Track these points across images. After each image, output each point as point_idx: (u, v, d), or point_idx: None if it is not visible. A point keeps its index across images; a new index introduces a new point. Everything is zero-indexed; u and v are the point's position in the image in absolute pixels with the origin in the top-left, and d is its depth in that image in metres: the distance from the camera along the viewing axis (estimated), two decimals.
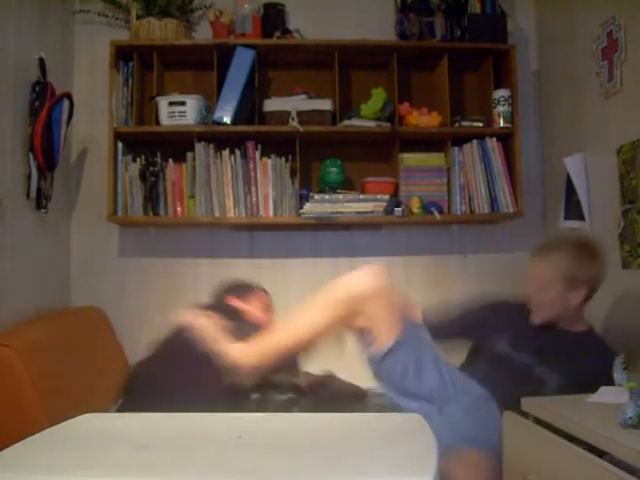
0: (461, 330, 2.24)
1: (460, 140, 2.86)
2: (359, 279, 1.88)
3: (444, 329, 2.19)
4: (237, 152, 2.77)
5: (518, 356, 2.06)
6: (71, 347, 2.12)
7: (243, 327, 2.06)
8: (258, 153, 2.77)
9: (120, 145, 2.71)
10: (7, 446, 1.16)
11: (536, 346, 2.04)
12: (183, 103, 2.69)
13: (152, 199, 2.72)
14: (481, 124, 2.84)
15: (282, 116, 2.75)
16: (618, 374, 1.69)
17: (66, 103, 2.45)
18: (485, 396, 1.90)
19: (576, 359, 1.98)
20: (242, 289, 2.27)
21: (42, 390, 1.81)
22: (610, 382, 1.69)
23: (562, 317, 2.03)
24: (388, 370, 1.88)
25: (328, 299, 1.90)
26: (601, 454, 1.35)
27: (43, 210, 2.42)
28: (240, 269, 2.95)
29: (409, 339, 1.87)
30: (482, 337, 2.17)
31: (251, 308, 2.20)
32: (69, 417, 1.43)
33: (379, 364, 1.88)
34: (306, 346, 1.93)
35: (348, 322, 1.91)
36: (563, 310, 2.01)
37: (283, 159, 2.78)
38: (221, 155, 2.76)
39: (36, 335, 2.01)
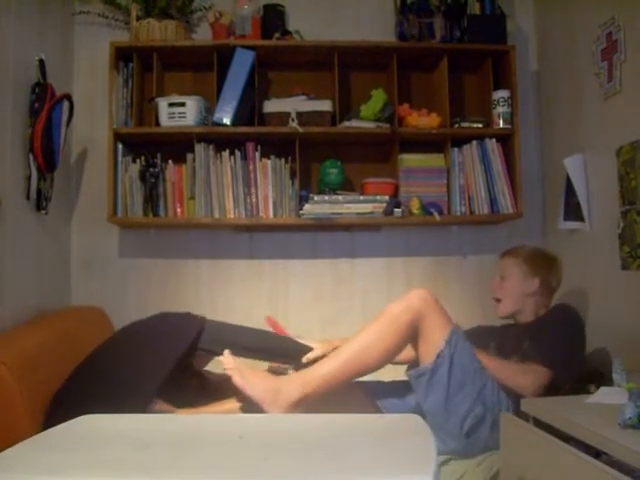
0: None
1: (460, 141, 2.86)
2: (412, 295, 1.94)
3: None
4: (237, 153, 2.77)
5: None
6: (70, 350, 2.10)
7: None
8: (258, 154, 2.77)
9: (120, 146, 2.71)
10: None
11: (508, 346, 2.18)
12: (183, 104, 2.69)
13: (152, 200, 2.72)
14: (481, 125, 2.85)
15: (282, 117, 2.75)
16: (617, 375, 1.69)
17: (66, 104, 2.44)
18: (506, 410, 1.92)
19: (543, 333, 2.14)
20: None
21: (35, 408, 1.76)
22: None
23: (522, 310, 2.31)
24: (437, 383, 1.91)
25: (387, 319, 1.92)
26: (598, 455, 1.35)
27: (43, 211, 2.42)
28: (240, 270, 2.95)
29: (458, 347, 1.93)
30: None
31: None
32: None
33: (430, 377, 1.91)
34: (363, 370, 1.92)
35: (407, 339, 1.94)
36: (522, 299, 2.31)
37: (283, 160, 2.78)
38: (221, 156, 2.77)
39: (31, 344, 1.94)
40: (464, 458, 1.91)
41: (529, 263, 2.32)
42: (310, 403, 1.85)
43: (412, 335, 1.93)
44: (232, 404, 1.97)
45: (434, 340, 1.91)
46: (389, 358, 1.94)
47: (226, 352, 1.96)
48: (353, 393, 2.07)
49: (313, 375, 1.88)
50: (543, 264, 2.34)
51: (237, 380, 1.86)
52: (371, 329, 1.92)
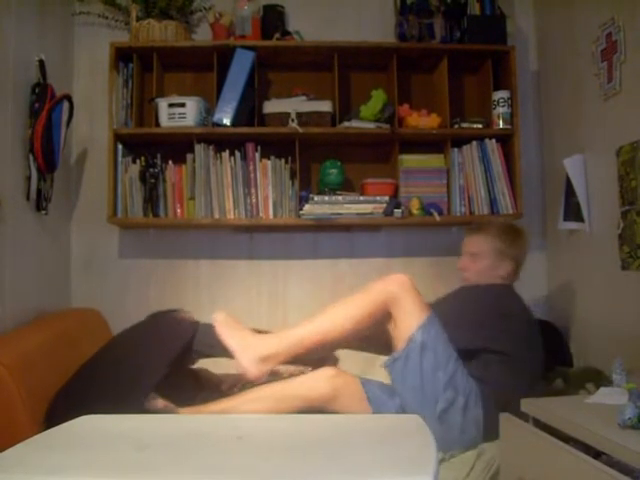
0: None
1: (460, 141, 2.86)
2: (391, 279, 1.99)
3: None
4: (237, 154, 2.77)
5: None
6: (68, 352, 2.10)
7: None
8: (258, 155, 2.77)
9: (120, 146, 2.71)
10: None
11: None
12: (183, 105, 2.69)
13: (152, 200, 2.72)
14: (481, 125, 2.85)
15: (282, 118, 2.75)
16: (617, 375, 1.69)
17: (66, 105, 2.44)
18: (475, 395, 1.93)
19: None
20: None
21: (34, 409, 1.76)
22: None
23: None
24: (411, 367, 1.93)
25: (361, 296, 2.01)
26: (597, 455, 1.35)
27: (43, 212, 2.42)
28: (240, 270, 2.95)
29: (432, 334, 1.95)
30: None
31: None
32: None
33: (405, 362, 1.94)
34: (332, 334, 2.00)
35: (378, 318, 1.99)
36: (492, 280, 2.26)
37: (283, 160, 2.78)
38: (221, 157, 2.77)
39: (30, 346, 1.95)
40: (445, 450, 1.90)
41: (501, 240, 2.27)
42: (281, 361, 1.97)
43: (384, 316, 1.99)
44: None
45: (407, 326, 1.96)
46: (357, 330, 2.00)
47: (220, 312, 2.04)
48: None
49: (286, 336, 1.98)
50: (514, 242, 2.29)
51: (219, 330, 1.98)
52: (344, 301, 2.02)
